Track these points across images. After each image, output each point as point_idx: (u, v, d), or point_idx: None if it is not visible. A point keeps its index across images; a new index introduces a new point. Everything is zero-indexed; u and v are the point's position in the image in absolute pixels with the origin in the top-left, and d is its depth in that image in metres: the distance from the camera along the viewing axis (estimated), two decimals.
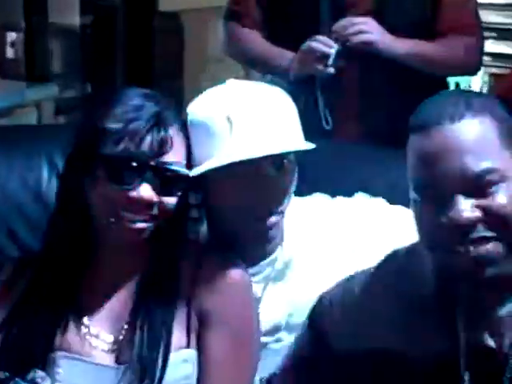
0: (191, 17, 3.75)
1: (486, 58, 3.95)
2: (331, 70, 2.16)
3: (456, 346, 1.33)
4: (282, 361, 1.56)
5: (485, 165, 1.24)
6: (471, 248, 1.24)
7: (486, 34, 3.94)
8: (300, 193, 1.66)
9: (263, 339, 1.57)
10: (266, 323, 1.58)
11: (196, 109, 1.54)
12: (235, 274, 1.50)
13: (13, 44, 3.55)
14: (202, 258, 1.51)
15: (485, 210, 1.24)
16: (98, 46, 3.68)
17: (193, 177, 1.46)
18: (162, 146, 1.40)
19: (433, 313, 1.37)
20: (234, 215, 1.53)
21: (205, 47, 3.79)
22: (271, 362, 1.57)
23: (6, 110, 3.06)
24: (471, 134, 1.25)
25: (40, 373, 1.42)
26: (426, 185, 1.27)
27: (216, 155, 1.47)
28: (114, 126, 1.39)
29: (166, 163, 1.41)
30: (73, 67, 3.63)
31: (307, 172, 1.60)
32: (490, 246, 1.25)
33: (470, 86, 3.81)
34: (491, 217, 1.24)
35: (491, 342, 1.32)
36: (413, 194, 1.31)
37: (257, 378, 1.56)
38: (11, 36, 3.56)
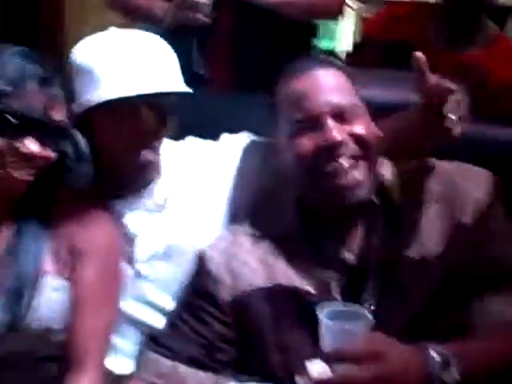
0: None
1: (355, 2, 3.92)
2: (205, 19, 1.99)
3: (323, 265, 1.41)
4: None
5: (348, 100, 1.42)
6: (344, 164, 1.36)
7: None
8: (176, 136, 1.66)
9: (139, 266, 1.55)
10: (143, 251, 1.56)
11: (77, 54, 1.52)
12: (98, 211, 1.51)
13: None
14: (72, 197, 1.50)
15: (350, 133, 1.39)
16: None
17: (78, 123, 1.45)
18: (43, 102, 1.37)
19: (298, 244, 1.43)
20: (114, 150, 1.51)
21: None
22: (148, 289, 1.55)
23: None
24: (336, 78, 1.45)
25: None
26: (305, 117, 1.40)
27: (95, 96, 1.46)
28: (1, 86, 1.36)
29: (48, 118, 1.38)
30: None
31: (183, 117, 1.56)
32: (357, 168, 1.37)
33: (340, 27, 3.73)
34: (355, 138, 1.39)
35: (350, 257, 1.40)
36: (286, 131, 1.42)
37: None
38: None
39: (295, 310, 1.39)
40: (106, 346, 1.49)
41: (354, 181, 1.38)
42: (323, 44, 3.84)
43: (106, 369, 1.50)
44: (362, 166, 1.39)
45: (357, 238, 1.43)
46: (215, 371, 1.43)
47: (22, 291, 1.39)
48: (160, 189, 1.59)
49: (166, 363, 1.43)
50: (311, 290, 1.39)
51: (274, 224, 1.48)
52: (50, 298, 1.42)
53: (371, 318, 1.23)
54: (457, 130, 1.40)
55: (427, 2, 2.43)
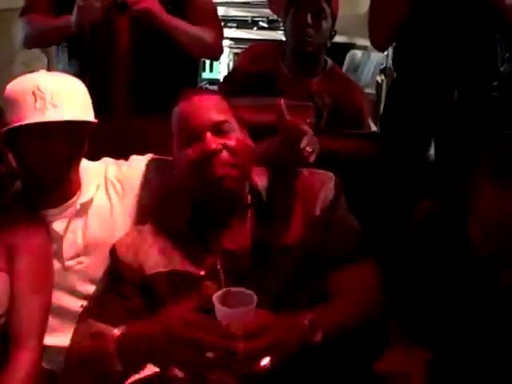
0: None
1: (230, 42, 4.09)
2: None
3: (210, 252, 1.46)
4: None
5: (223, 117, 1.49)
6: (219, 169, 1.44)
7: (230, 24, 4.08)
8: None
9: (68, 263, 1.61)
10: (68, 250, 1.62)
11: (12, 87, 1.57)
12: (30, 217, 1.57)
13: None
14: (8, 207, 1.56)
15: (223, 144, 1.46)
16: None
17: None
18: None
19: (190, 236, 1.49)
20: (33, 168, 1.57)
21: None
22: (76, 282, 1.62)
23: None
24: (212, 100, 1.53)
25: None
26: (191, 132, 1.47)
27: (17, 121, 1.51)
28: None
29: None
30: None
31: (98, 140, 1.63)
32: (231, 170, 1.45)
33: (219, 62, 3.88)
34: (228, 148, 1.46)
35: (232, 246, 1.47)
36: (178, 146, 1.50)
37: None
38: None
39: (189, 289, 1.41)
40: (42, 327, 1.51)
41: (226, 180, 1.44)
42: (208, 75, 4.01)
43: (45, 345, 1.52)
44: (234, 171, 1.45)
45: (236, 229, 1.48)
46: None
47: None
48: (80, 199, 1.64)
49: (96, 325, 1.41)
50: (202, 272, 1.42)
51: (171, 222, 1.52)
52: None
53: (255, 297, 1.23)
54: (311, 159, 1.53)
55: (281, 40, 2.59)
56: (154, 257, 1.48)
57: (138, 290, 1.45)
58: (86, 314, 1.47)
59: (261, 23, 3.90)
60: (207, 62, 3.87)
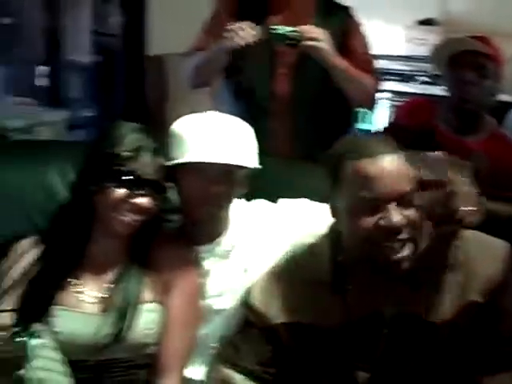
0: (173, 59, 3.72)
1: (390, 95, 4.06)
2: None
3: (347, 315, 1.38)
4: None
5: (408, 186, 1.34)
6: (396, 245, 1.32)
7: (391, 77, 4.06)
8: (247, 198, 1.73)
9: (210, 302, 1.62)
10: (212, 290, 1.63)
11: (179, 125, 1.61)
12: (186, 254, 1.60)
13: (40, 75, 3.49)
14: (166, 241, 1.60)
15: (407, 218, 1.33)
16: (104, 79, 3.66)
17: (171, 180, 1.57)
18: (155, 168, 1.51)
19: (329, 292, 1.42)
20: (190, 204, 1.60)
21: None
22: (217, 320, 1.63)
23: (28, 127, 3.02)
24: (399, 165, 1.36)
25: (39, 326, 1.45)
26: (372, 197, 1.33)
27: (181, 157, 1.55)
28: (124, 152, 1.49)
29: (158, 180, 1.52)
30: (84, 94, 3.61)
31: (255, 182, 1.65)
32: (408, 247, 1.32)
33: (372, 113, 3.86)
34: (409, 222, 1.33)
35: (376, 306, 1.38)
36: (347, 204, 1.37)
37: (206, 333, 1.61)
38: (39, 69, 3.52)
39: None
40: (186, 360, 1.55)
41: (403, 263, 1.31)
42: (361, 126, 4.00)
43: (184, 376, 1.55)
44: (410, 247, 1.32)
45: (378, 293, 1.37)
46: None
47: (126, 312, 1.49)
48: (228, 239, 1.65)
49: (226, 371, 1.44)
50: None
51: (313, 271, 1.45)
52: (147, 318, 1.51)
53: None
54: (469, 219, 1.34)
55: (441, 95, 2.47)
56: (282, 305, 1.43)
57: (265, 336, 1.43)
58: (219, 357, 1.47)
59: (422, 77, 3.83)
60: (361, 112, 3.85)
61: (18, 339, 1.39)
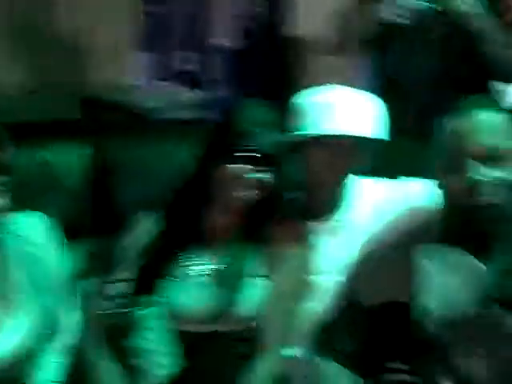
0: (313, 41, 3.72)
1: None
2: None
3: None
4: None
5: (503, 143, 1.34)
6: (483, 204, 1.31)
7: None
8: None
9: (319, 278, 1.62)
10: (322, 266, 1.62)
11: (305, 96, 1.61)
12: (298, 230, 1.60)
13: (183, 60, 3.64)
14: (281, 215, 1.60)
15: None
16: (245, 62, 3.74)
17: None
18: (274, 143, 1.52)
19: None
20: (315, 178, 1.60)
21: None
22: (325, 297, 1.62)
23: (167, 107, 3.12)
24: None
25: (150, 297, 1.52)
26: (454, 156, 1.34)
27: (304, 130, 1.56)
28: (241, 128, 1.52)
29: (277, 155, 1.52)
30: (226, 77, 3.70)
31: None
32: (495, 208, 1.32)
33: None
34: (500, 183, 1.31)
35: None
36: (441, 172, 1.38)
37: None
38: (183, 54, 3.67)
39: None
40: (289, 337, 1.56)
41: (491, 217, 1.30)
42: None
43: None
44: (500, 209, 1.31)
45: None
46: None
47: (236, 285, 1.52)
48: (343, 217, 1.65)
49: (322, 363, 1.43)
50: None
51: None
52: (256, 291, 1.54)
53: None
54: None
55: None
56: (380, 284, 1.42)
57: (364, 316, 1.43)
58: (317, 339, 1.47)
59: None
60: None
61: (129, 308, 1.46)
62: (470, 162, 1.32)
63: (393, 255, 1.44)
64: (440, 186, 1.39)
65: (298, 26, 3.59)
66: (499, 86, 2.26)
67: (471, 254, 1.35)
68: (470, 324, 1.17)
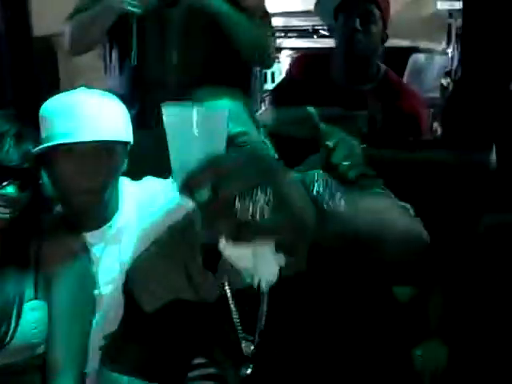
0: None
1: (291, 52, 4.03)
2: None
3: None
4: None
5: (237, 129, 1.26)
6: None
7: (291, 34, 4.01)
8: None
9: (103, 289, 1.53)
10: (104, 276, 1.54)
11: (46, 105, 1.51)
12: (70, 243, 1.49)
13: None
14: (46, 232, 1.49)
15: None
16: None
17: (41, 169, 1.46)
18: (19, 156, 1.40)
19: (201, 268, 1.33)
20: (69, 189, 1.48)
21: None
22: (109, 304, 1.53)
23: None
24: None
25: None
26: None
27: (44, 141, 1.46)
28: None
29: (25, 168, 1.41)
30: None
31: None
32: None
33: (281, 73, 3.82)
34: None
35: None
36: None
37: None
38: None
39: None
40: (81, 355, 1.44)
41: None
42: (271, 86, 3.94)
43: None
44: None
45: None
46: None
47: (8, 314, 1.38)
48: (118, 222, 1.55)
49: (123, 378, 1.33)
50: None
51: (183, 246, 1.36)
52: (31, 317, 1.41)
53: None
54: (351, 174, 1.32)
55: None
56: (160, 286, 1.34)
57: (148, 322, 1.33)
58: (104, 355, 1.38)
59: (321, 31, 3.79)
60: (269, 73, 3.79)
61: None
62: None
63: (162, 254, 1.37)
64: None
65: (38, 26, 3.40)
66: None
67: None
68: None
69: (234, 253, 1.15)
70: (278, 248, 0.97)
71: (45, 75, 3.51)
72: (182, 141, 0.89)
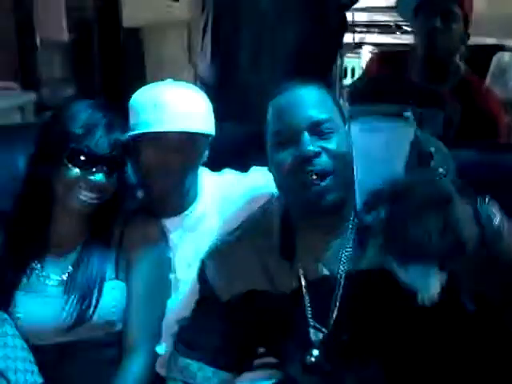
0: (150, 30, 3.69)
1: (373, 48, 4.01)
2: None
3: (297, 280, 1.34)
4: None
5: (323, 115, 1.30)
6: (314, 178, 1.26)
7: (373, 29, 4.00)
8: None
9: (179, 274, 1.60)
10: (180, 262, 1.60)
11: (135, 96, 1.58)
12: (150, 229, 1.58)
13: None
14: (129, 218, 1.58)
15: (323, 147, 1.28)
16: (81, 58, 3.63)
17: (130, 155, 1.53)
18: (109, 144, 1.48)
19: (278, 258, 1.37)
20: (151, 176, 1.55)
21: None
22: (184, 289, 1.59)
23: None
24: (313, 94, 1.33)
25: (1, 313, 1.45)
26: (283, 130, 1.31)
27: (134, 129, 1.53)
28: (77, 130, 1.47)
29: (114, 156, 1.49)
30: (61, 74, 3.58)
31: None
32: (329, 180, 1.27)
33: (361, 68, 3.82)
34: (329, 153, 1.28)
35: (326, 271, 1.33)
36: (270, 148, 1.35)
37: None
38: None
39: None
40: (155, 335, 1.52)
41: (321, 191, 1.26)
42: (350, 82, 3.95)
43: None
44: (333, 180, 1.27)
45: (328, 249, 1.31)
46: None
47: (91, 291, 1.48)
48: (196, 211, 1.62)
49: (193, 364, 1.38)
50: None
51: (261, 237, 1.41)
52: (111, 295, 1.50)
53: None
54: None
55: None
56: (243, 274, 1.39)
57: (221, 310, 1.39)
58: (177, 342, 1.44)
59: (404, 27, 3.77)
60: (349, 68, 3.80)
61: None
62: (297, 136, 1.29)
63: (243, 245, 1.42)
64: (273, 168, 1.37)
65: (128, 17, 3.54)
66: None
67: (324, 229, 1.34)
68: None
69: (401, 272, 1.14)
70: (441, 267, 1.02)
71: (132, 66, 3.65)
72: (369, 158, 0.93)
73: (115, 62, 3.59)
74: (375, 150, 0.94)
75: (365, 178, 0.94)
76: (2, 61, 3.27)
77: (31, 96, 3.23)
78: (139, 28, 3.70)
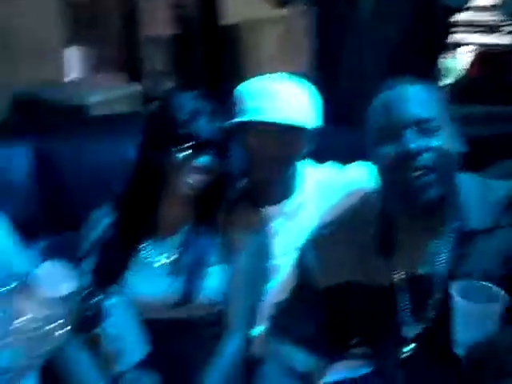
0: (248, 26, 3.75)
1: (474, 47, 3.92)
2: None
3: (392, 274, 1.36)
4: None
5: (429, 113, 1.32)
6: (417, 173, 1.29)
7: (476, 29, 3.91)
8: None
9: (278, 260, 1.64)
10: (280, 248, 1.64)
11: (242, 86, 1.64)
12: (253, 215, 1.63)
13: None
14: (232, 204, 1.63)
15: (427, 146, 1.31)
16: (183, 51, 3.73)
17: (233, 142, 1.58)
18: (213, 129, 1.55)
19: (375, 253, 1.40)
20: (255, 162, 1.61)
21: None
22: (282, 275, 1.63)
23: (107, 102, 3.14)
24: (419, 92, 1.36)
25: (114, 287, 1.54)
26: (387, 126, 1.33)
27: (237, 117, 1.58)
28: (183, 116, 1.55)
29: (217, 141, 1.55)
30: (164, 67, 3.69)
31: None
32: (431, 176, 1.30)
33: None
34: (432, 151, 1.30)
35: (423, 270, 1.35)
36: (373, 142, 1.37)
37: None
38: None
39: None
40: (251, 319, 1.59)
41: (423, 186, 1.29)
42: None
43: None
44: (434, 176, 1.30)
45: (427, 249, 1.33)
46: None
47: (195, 273, 1.55)
48: (296, 199, 1.67)
49: (287, 349, 1.42)
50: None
51: (359, 230, 1.44)
52: (213, 278, 1.56)
53: (504, 294, 1.09)
54: None
55: None
56: (341, 264, 1.42)
57: (319, 298, 1.42)
58: (272, 326, 1.47)
59: (507, 28, 3.67)
60: (446, 68, 3.74)
61: (95, 299, 1.47)
62: (402, 132, 1.31)
63: (341, 236, 1.45)
64: (374, 162, 1.40)
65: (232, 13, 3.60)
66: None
67: (424, 228, 1.35)
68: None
69: None
70: None
71: (231, 61, 3.73)
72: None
73: (215, 57, 3.67)
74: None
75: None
76: (110, 55, 3.42)
77: (137, 88, 3.36)
78: (238, 24, 3.77)
